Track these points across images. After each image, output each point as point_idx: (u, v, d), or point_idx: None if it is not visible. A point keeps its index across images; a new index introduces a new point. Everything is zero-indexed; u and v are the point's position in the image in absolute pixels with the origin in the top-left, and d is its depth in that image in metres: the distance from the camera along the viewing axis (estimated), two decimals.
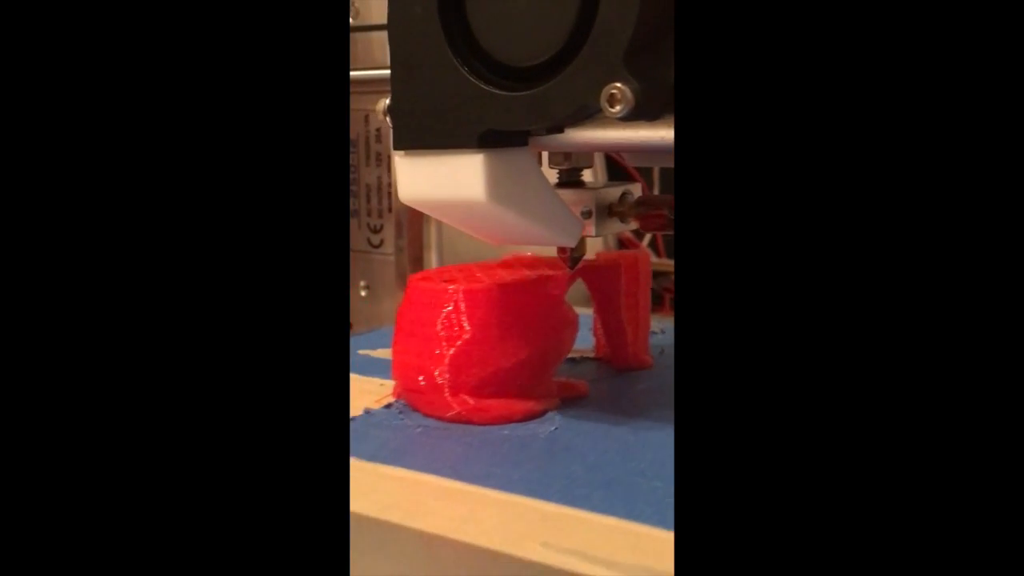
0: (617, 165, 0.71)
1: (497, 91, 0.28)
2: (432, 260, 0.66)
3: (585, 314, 0.41)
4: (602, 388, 0.38)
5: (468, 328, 0.33)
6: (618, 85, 0.26)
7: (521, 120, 0.28)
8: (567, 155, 0.35)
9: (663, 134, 0.28)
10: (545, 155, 0.36)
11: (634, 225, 0.35)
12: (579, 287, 0.39)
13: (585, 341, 0.43)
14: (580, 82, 0.27)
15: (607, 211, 0.35)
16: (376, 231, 0.65)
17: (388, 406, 0.36)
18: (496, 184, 0.29)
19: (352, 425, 0.34)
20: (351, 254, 0.65)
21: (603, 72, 0.26)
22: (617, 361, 0.41)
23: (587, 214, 0.34)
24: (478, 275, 0.35)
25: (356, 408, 0.35)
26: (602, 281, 0.39)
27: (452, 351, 0.33)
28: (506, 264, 0.38)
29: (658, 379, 0.40)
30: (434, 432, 0.33)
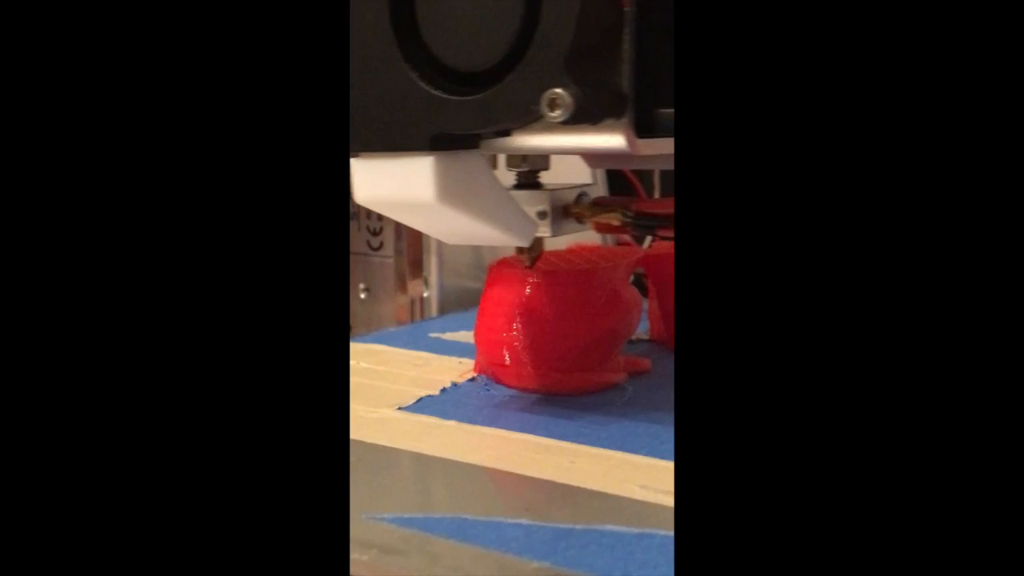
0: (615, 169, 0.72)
1: (446, 96, 0.29)
2: (431, 263, 0.67)
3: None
4: (661, 365, 0.42)
5: (548, 309, 0.37)
6: (558, 90, 0.27)
7: (469, 124, 0.29)
8: (524, 157, 0.36)
9: (607, 138, 0.29)
10: (503, 157, 0.37)
11: (591, 226, 0.36)
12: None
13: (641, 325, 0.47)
14: (523, 87, 0.28)
15: (563, 212, 0.36)
16: (376, 234, 0.65)
17: (472, 379, 0.40)
18: (446, 185, 0.30)
19: (442, 396, 0.38)
20: (351, 256, 0.66)
21: (545, 77, 0.27)
22: (672, 342, 0.44)
23: (543, 215, 0.35)
24: (552, 260, 0.39)
25: (443, 382, 0.39)
26: (660, 269, 0.44)
27: (534, 330, 0.37)
28: (576, 252, 0.42)
29: None
30: (522, 400, 0.37)
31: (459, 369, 0.41)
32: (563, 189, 0.36)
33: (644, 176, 0.77)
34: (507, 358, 0.37)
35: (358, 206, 0.65)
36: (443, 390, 0.38)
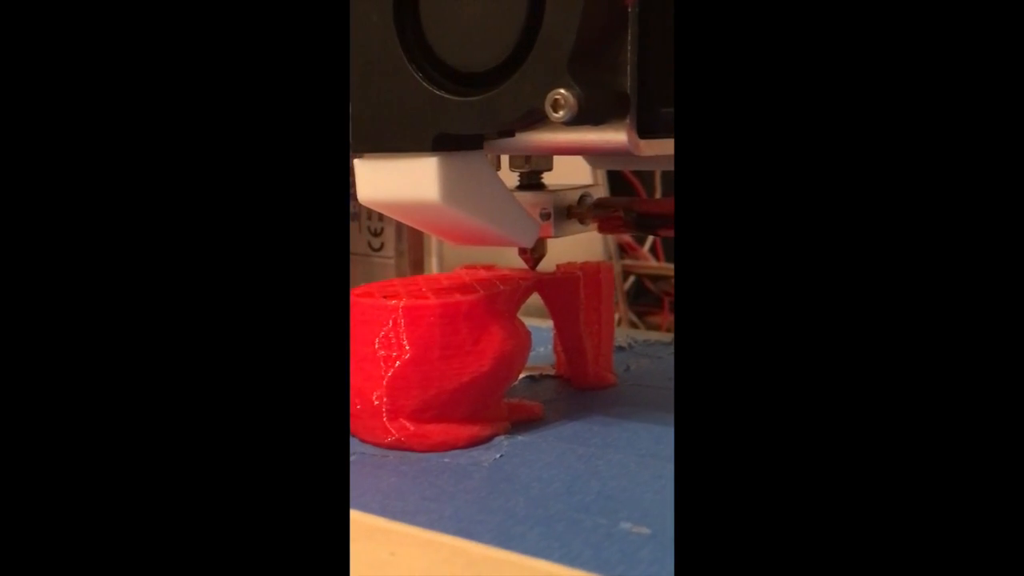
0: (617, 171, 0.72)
1: (450, 96, 0.29)
2: (432, 264, 0.67)
3: (550, 327, 0.40)
4: (558, 409, 0.36)
5: (408, 348, 0.32)
6: (561, 91, 0.27)
7: (473, 124, 0.29)
8: (527, 158, 0.36)
9: (609, 138, 0.29)
10: (506, 158, 0.37)
11: (593, 227, 0.36)
12: (538, 299, 0.38)
13: (548, 357, 0.42)
14: (526, 88, 0.28)
15: (566, 213, 0.36)
16: (376, 234, 0.65)
17: None
18: (450, 186, 0.30)
19: None
20: (351, 257, 0.66)
21: (548, 78, 0.28)
22: (577, 380, 0.39)
23: (546, 216, 0.35)
24: (422, 289, 0.34)
25: None
26: (559, 295, 0.37)
27: (391, 372, 0.32)
28: (455, 277, 0.37)
29: (619, 399, 0.38)
30: (368, 460, 0.31)
31: None
32: (566, 190, 0.36)
33: (646, 176, 0.77)
34: (358, 407, 0.32)
35: (359, 207, 0.66)
36: None
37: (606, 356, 0.40)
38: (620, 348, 0.46)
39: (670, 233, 0.35)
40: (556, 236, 0.35)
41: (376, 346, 0.32)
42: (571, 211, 0.36)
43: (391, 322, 0.32)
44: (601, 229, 0.36)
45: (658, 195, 0.79)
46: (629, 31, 0.28)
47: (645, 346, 0.48)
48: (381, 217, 0.65)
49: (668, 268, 0.79)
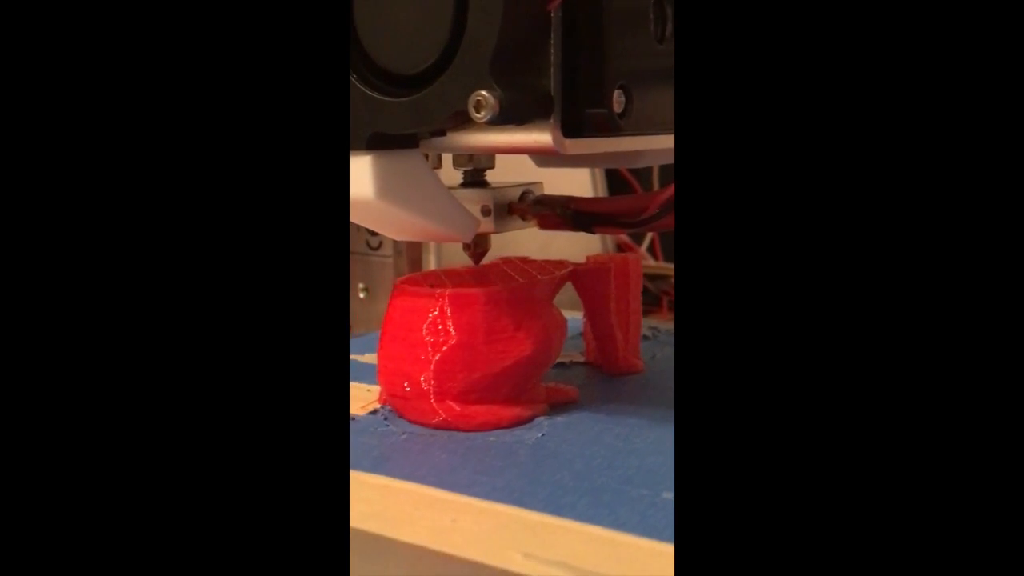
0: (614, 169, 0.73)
1: (383, 97, 0.31)
2: (431, 262, 0.67)
3: (576, 318, 0.41)
4: (592, 393, 0.38)
5: (454, 333, 0.34)
6: (483, 93, 0.28)
7: (405, 124, 0.31)
8: (469, 156, 0.37)
9: (536, 138, 0.30)
10: (448, 156, 0.38)
11: (534, 223, 0.37)
12: (570, 290, 0.40)
13: (576, 345, 0.43)
14: (453, 89, 0.29)
15: (507, 209, 0.37)
16: (374, 233, 0.66)
17: (374, 412, 0.36)
18: (385, 183, 0.31)
19: None
20: (350, 256, 0.67)
21: (471, 80, 0.29)
22: (607, 366, 0.41)
23: (487, 211, 0.36)
24: (466, 279, 0.36)
25: None
26: (591, 285, 0.39)
27: (437, 357, 0.34)
28: (495, 268, 0.39)
29: (648, 384, 0.40)
30: (419, 439, 0.33)
31: (366, 398, 0.38)
32: (507, 187, 0.37)
33: (643, 174, 0.78)
34: (408, 389, 0.34)
35: None
36: None
37: (634, 343, 0.42)
38: (645, 337, 0.47)
39: (606, 231, 0.36)
40: (497, 232, 0.37)
41: (423, 332, 0.34)
42: (512, 207, 0.37)
43: (438, 309, 0.34)
44: (541, 225, 0.37)
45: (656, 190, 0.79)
46: (552, 34, 0.29)
47: (668, 335, 0.50)
48: None
49: (666, 267, 0.80)
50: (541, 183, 0.38)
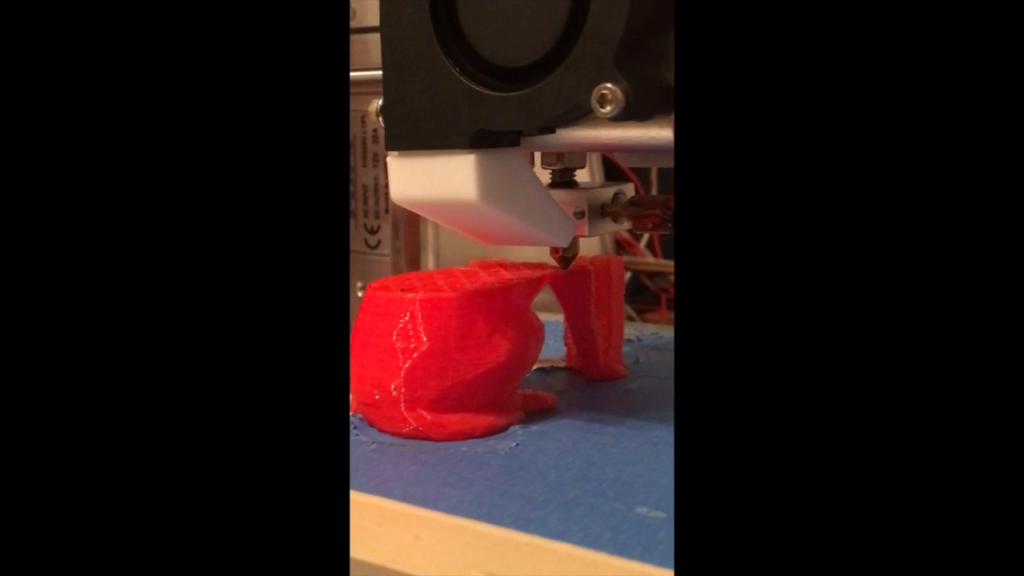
0: (612, 166, 0.71)
1: (488, 91, 0.28)
2: (429, 261, 0.66)
3: (560, 322, 0.41)
4: (571, 400, 0.37)
5: (425, 339, 0.32)
6: (608, 85, 0.26)
7: (512, 120, 0.28)
8: (560, 155, 0.35)
9: (654, 134, 0.28)
10: (538, 155, 0.36)
11: (627, 225, 0.35)
12: (550, 292, 0.38)
13: (559, 350, 0.42)
14: (570, 82, 0.27)
15: (600, 211, 0.35)
16: (373, 232, 0.65)
17: None
18: (488, 184, 0.29)
19: None
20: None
21: (593, 72, 0.27)
22: (588, 371, 0.39)
23: (580, 214, 0.34)
24: (438, 283, 0.34)
25: None
26: (571, 288, 0.38)
27: (408, 363, 0.32)
28: (469, 271, 0.37)
29: (630, 390, 0.38)
30: (388, 449, 0.32)
31: None
32: (599, 188, 0.35)
33: (642, 173, 0.76)
34: (377, 397, 0.33)
35: (355, 204, 0.65)
36: None
37: (616, 348, 0.40)
38: (628, 340, 0.46)
39: None
40: (590, 235, 0.35)
41: (394, 338, 0.32)
42: (605, 209, 0.35)
43: (409, 315, 0.32)
44: (636, 227, 0.35)
45: (654, 190, 0.78)
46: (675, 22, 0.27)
47: (654, 338, 0.49)
48: (378, 214, 0.65)
49: (666, 264, 0.79)
50: (631, 184, 0.36)
